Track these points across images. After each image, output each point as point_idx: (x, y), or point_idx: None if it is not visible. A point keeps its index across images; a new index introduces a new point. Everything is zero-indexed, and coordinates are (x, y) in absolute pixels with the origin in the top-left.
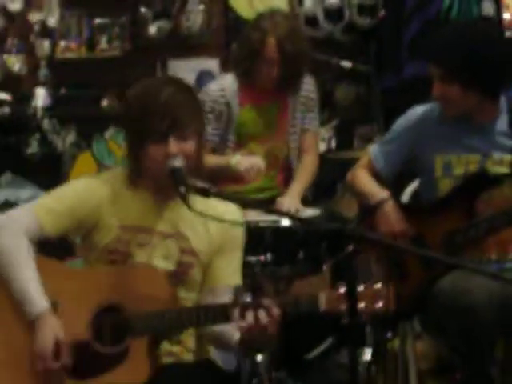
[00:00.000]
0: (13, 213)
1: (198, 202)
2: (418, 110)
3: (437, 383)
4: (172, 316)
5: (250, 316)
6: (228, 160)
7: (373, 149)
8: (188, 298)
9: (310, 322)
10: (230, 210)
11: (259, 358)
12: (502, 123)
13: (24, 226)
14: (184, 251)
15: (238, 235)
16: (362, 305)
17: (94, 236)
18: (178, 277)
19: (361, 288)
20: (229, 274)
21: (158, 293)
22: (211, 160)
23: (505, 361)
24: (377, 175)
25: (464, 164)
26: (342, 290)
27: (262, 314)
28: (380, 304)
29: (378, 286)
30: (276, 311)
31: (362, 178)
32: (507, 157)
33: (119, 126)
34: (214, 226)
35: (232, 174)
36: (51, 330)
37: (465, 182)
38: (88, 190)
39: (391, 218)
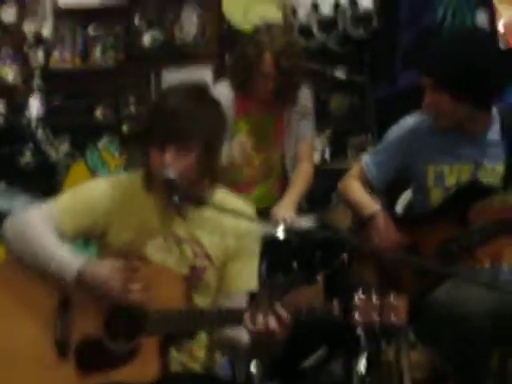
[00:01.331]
0: (28, 211)
1: (210, 210)
2: (409, 120)
3: None
4: (185, 316)
5: (260, 320)
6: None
7: (365, 158)
8: (201, 304)
9: (303, 332)
10: (244, 222)
11: (252, 368)
12: (493, 133)
13: (45, 219)
14: (198, 255)
15: (254, 242)
16: (375, 317)
17: (107, 239)
18: (192, 281)
19: (375, 300)
20: (244, 279)
21: (172, 293)
22: None
23: (500, 373)
24: (369, 184)
25: (456, 174)
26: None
27: (271, 320)
28: (393, 317)
29: (391, 298)
30: (286, 317)
31: (354, 189)
32: (499, 166)
33: (113, 135)
34: (230, 232)
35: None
36: (103, 267)
37: (457, 192)
38: (103, 191)
39: (384, 231)
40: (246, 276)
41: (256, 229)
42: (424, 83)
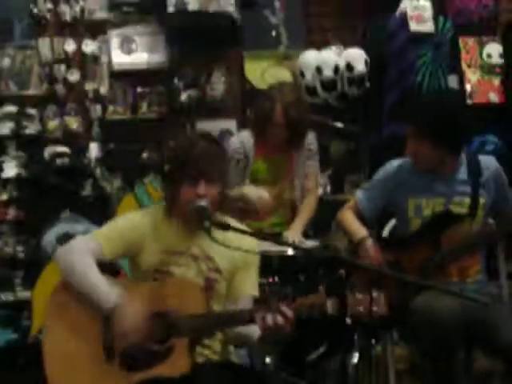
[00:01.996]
0: (79, 239)
1: (221, 233)
2: (394, 164)
3: (412, 381)
4: (208, 319)
5: (269, 319)
6: (240, 190)
7: (358, 194)
8: (216, 309)
9: (308, 332)
10: (247, 240)
11: (268, 360)
12: (462, 173)
13: (90, 248)
14: (211, 269)
15: (255, 256)
16: (360, 308)
17: (139, 258)
18: (207, 291)
19: (360, 295)
20: (249, 286)
21: (196, 301)
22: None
23: (466, 361)
24: (360, 214)
25: (431, 206)
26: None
27: (278, 317)
28: (376, 308)
29: (375, 294)
30: (290, 314)
31: (348, 219)
32: (466, 200)
33: (157, 173)
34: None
35: (244, 205)
36: (131, 312)
37: (432, 219)
38: (135, 221)
39: (370, 254)
40: (250, 283)
41: (255, 246)
42: (408, 132)
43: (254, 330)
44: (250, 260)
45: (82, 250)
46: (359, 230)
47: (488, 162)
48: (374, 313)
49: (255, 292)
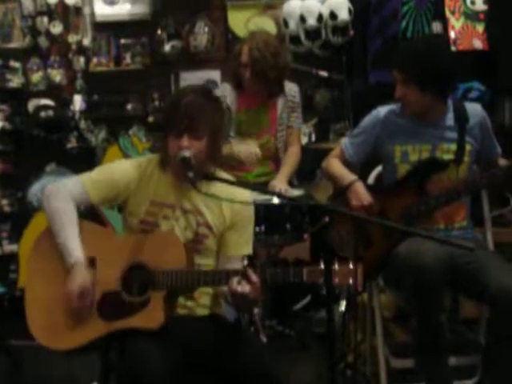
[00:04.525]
0: (63, 181)
1: (216, 186)
2: (380, 110)
3: (397, 328)
4: (186, 275)
5: (233, 284)
6: (231, 148)
7: (344, 141)
8: (204, 264)
9: (293, 284)
10: (241, 192)
11: (255, 311)
12: (448, 120)
13: (72, 192)
14: (200, 224)
15: (249, 213)
16: (336, 280)
17: (129, 208)
18: (195, 245)
19: (336, 267)
20: (240, 245)
21: (176, 256)
22: None
23: (452, 309)
24: (346, 162)
25: (418, 152)
26: (322, 266)
27: (244, 284)
28: (350, 280)
29: (350, 266)
30: (255, 279)
31: (335, 165)
32: (453, 146)
33: (141, 124)
34: (226, 205)
35: (235, 162)
36: (80, 277)
37: (418, 166)
38: (123, 168)
39: (360, 195)
40: (242, 244)
41: (250, 207)
42: (395, 78)
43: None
44: (243, 217)
45: (67, 196)
46: (348, 174)
47: (474, 109)
48: (350, 286)
49: (247, 251)
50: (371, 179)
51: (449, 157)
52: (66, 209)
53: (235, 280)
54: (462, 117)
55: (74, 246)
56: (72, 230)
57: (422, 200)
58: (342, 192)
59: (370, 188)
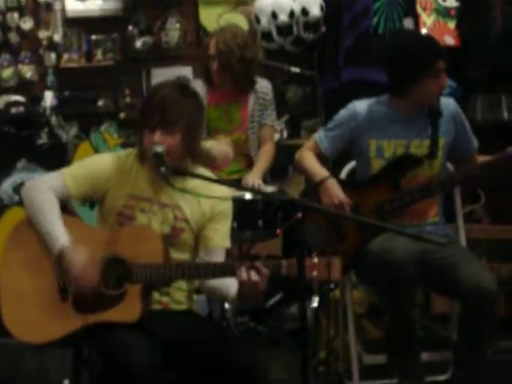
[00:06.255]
0: (43, 176)
1: (194, 181)
2: (356, 104)
3: (370, 324)
4: (162, 269)
5: (243, 273)
6: (205, 146)
7: (318, 134)
8: (179, 258)
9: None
10: (219, 188)
11: (226, 305)
12: (422, 115)
13: (52, 186)
14: (178, 218)
15: (227, 208)
16: (314, 273)
17: (106, 201)
18: (172, 239)
19: (315, 260)
20: (220, 237)
21: (153, 249)
22: None
23: (424, 305)
24: (321, 155)
25: (393, 147)
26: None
27: (253, 273)
28: (330, 274)
29: (330, 258)
30: (265, 271)
31: (308, 159)
32: (427, 141)
33: (112, 120)
34: (205, 200)
35: (206, 160)
36: (78, 255)
37: (393, 162)
38: (102, 162)
39: (332, 192)
40: (222, 235)
41: (228, 200)
42: (441, 67)
43: (229, 285)
44: (222, 211)
45: (46, 188)
46: (320, 171)
47: (447, 103)
48: (328, 278)
49: (226, 243)
50: (344, 174)
51: (423, 152)
52: (49, 199)
53: (243, 270)
54: (434, 112)
55: (59, 233)
56: (56, 218)
57: (396, 196)
58: (313, 188)
59: (343, 183)
